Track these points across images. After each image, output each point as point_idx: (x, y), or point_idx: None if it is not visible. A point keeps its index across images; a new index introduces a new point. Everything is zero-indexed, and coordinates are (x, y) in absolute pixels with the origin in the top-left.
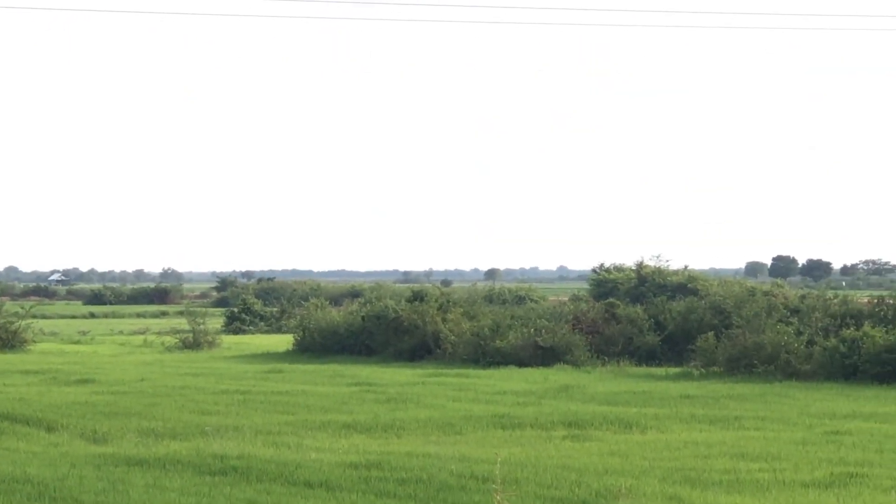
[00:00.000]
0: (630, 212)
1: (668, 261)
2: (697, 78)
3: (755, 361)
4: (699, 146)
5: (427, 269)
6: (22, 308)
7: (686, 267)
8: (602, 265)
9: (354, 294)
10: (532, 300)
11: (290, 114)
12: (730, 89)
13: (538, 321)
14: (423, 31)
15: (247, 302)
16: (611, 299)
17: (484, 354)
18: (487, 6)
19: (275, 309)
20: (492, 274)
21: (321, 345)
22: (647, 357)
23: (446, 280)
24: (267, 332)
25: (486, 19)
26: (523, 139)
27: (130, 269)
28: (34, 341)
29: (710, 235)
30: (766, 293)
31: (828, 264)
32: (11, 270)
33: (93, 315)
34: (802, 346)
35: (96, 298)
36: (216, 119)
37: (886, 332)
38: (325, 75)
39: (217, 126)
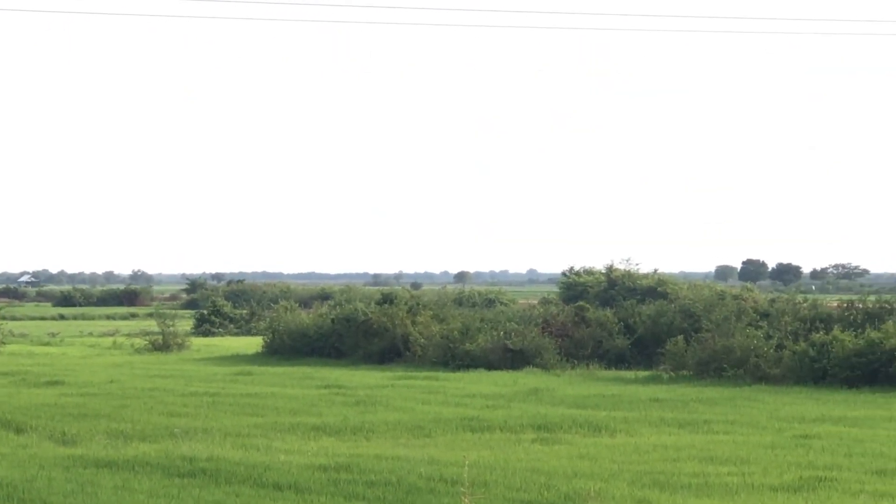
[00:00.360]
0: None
1: (637, 264)
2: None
3: (724, 365)
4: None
5: (397, 271)
6: None
7: (656, 270)
8: (572, 268)
9: (324, 296)
10: (502, 303)
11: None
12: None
13: (508, 324)
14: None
15: (216, 304)
16: (580, 302)
17: (453, 357)
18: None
19: (244, 311)
20: (461, 277)
21: (291, 347)
22: (617, 360)
23: (416, 283)
24: (236, 334)
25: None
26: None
27: (100, 270)
28: (3, 343)
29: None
30: (735, 297)
31: (797, 268)
32: None
33: (62, 317)
34: (772, 350)
35: (66, 300)
36: (194, 121)
37: (856, 336)
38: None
39: (192, 128)
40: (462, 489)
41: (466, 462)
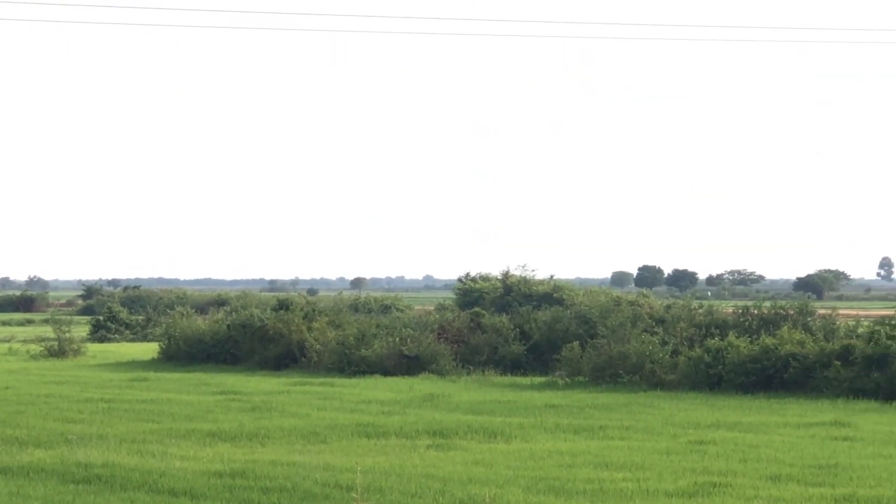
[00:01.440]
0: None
1: (533, 270)
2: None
3: (620, 371)
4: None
5: (293, 277)
6: None
7: (552, 276)
8: (468, 274)
9: (220, 302)
10: (398, 309)
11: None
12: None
13: (403, 330)
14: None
15: (112, 310)
16: (476, 308)
17: (349, 363)
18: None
19: (140, 317)
20: (358, 283)
21: (186, 353)
22: (513, 366)
23: (312, 289)
24: (132, 340)
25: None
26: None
27: None
28: None
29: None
30: (631, 303)
31: (693, 274)
32: None
33: None
34: (667, 356)
35: None
36: (93, 127)
37: (751, 342)
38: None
39: (90, 134)
40: (354, 495)
41: (359, 468)
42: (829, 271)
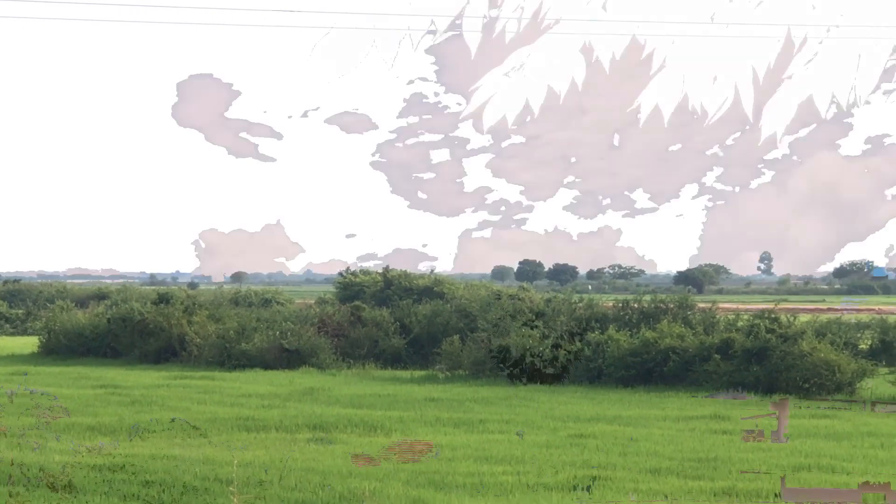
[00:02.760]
0: None
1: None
2: None
3: (500, 365)
4: None
5: (174, 271)
6: None
7: (432, 270)
8: (348, 268)
9: (100, 296)
10: (278, 303)
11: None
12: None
13: (284, 324)
14: None
15: None
16: (356, 302)
17: (230, 357)
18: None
19: (20, 311)
20: (238, 277)
21: (67, 347)
22: (393, 360)
23: (193, 283)
24: (12, 334)
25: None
26: None
27: None
28: None
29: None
30: (511, 297)
31: (574, 268)
32: None
33: None
34: (547, 350)
35: None
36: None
37: (631, 335)
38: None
39: None
40: (231, 489)
41: (235, 461)
42: (710, 265)
